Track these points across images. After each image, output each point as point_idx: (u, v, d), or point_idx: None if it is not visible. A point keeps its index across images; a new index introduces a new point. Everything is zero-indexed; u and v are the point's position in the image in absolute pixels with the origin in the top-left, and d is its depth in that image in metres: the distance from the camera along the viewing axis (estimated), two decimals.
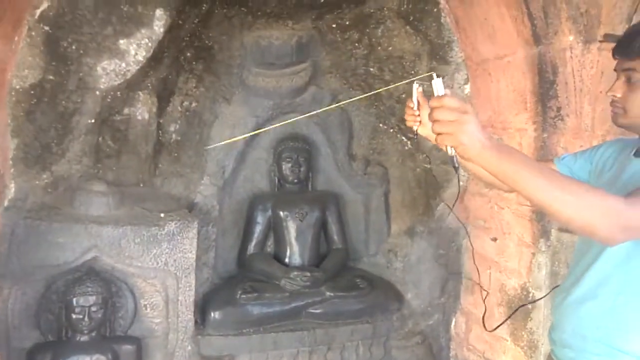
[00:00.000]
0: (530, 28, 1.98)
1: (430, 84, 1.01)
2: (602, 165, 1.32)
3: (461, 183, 2.55)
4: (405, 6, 2.44)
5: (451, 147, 0.99)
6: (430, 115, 0.98)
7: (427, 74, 1.04)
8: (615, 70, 1.22)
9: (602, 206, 0.95)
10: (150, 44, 2.15)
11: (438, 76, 1.00)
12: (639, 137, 1.24)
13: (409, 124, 1.11)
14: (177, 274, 2.20)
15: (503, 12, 2.05)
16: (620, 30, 1.87)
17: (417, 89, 1.08)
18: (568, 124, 1.99)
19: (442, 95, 0.98)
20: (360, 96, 2.51)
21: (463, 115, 0.94)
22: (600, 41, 1.88)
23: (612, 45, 1.85)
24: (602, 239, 1.00)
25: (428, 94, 1.10)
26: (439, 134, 0.97)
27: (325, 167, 3.04)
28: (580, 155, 1.41)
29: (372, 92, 2.58)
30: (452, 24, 2.42)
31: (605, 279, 1.18)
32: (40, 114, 2.08)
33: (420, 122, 1.14)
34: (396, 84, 1.04)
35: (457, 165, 1.04)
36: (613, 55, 1.22)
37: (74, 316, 1.99)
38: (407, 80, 1.08)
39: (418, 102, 1.07)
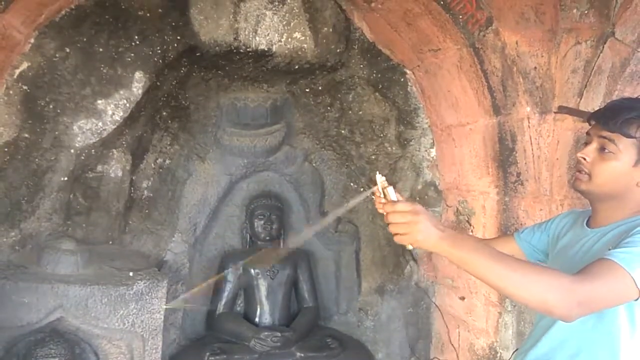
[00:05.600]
0: (490, 100, 2.12)
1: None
2: (557, 235, 1.39)
3: None
4: (374, 75, 2.59)
5: (409, 244, 1.08)
6: (385, 218, 1.08)
7: (381, 183, 1.16)
8: (588, 134, 1.26)
9: (555, 285, 1.01)
10: (128, 105, 2.20)
11: (390, 184, 1.12)
12: (591, 208, 1.31)
13: (379, 211, 1.20)
14: (144, 335, 2.15)
15: (465, 84, 2.20)
16: (572, 102, 2.03)
17: (380, 179, 1.17)
18: (528, 189, 2.10)
19: (394, 201, 1.09)
20: None
21: (415, 216, 1.04)
22: (555, 112, 2.03)
23: (566, 115, 2.03)
24: (559, 317, 1.05)
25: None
26: (396, 234, 1.06)
27: (297, 224, 3.08)
28: (537, 228, 1.49)
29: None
30: (418, 93, 2.57)
31: (562, 342, 1.23)
32: (13, 171, 2.08)
33: None
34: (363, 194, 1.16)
35: (416, 259, 1.12)
36: (589, 120, 1.27)
37: None
38: (369, 191, 1.21)
39: (383, 191, 1.16)
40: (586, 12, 1.95)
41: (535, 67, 2.01)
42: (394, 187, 1.16)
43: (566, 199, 2.06)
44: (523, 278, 1.01)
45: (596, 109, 1.99)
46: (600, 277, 1.03)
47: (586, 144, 1.25)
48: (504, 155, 2.13)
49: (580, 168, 1.24)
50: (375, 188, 1.18)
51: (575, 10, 1.95)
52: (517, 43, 1.99)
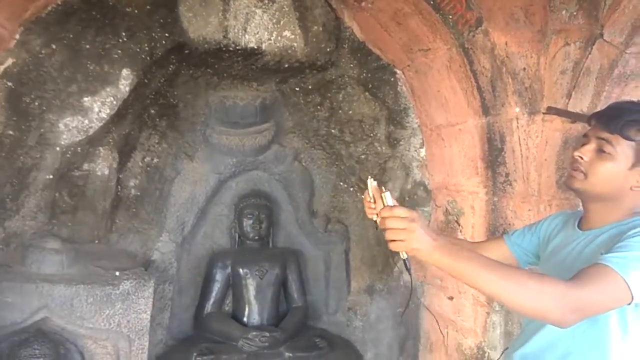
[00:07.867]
0: (479, 100, 2.12)
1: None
2: (547, 236, 1.39)
3: None
4: (364, 74, 2.58)
5: (404, 251, 1.07)
6: (382, 223, 1.07)
7: (374, 188, 1.16)
8: (585, 135, 1.27)
9: (550, 292, 1.01)
10: (115, 102, 2.18)
11: (380, 184, 1.11)
12: (582, 209, 1.31)
13: (369, 216, 1.18)
14: (130, 335, 2.13)
15: (454, 84, 2.20)
16: (561, 103, 2.04)
17: (371, 184, 1.16)
18: (516, 189, 2.11)
19: (392, 206, 1.08)
20: None
21: (411, 223, 1.04)
22: (544, 113, 2.03)
23: (555, 116, 2.03)
24: (555, 322, 1.05)
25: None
26: (392, 240, 1.05)
27: (286, 223, 3.07)
28: (527, 230, 1.49)
29: None
30: (408, 93, 2.57)
31: (552, 343, 1.23)
32: None
33: (378, 214, 1.19)
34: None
35: (409, 267, 1.13)
36: (589, 121, 1.28)
37: None
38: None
39: (374, 196, 1.15)
40: (575, 13, 1.95)
41: (525, 68, 2.01)
42: (385, 187, 1.15)
43: (554, 200, 2.07)
44: (517, 285, 1.01)
45: (584, 110, 2.02)
46: (595, 282, 1.03)
47: (583, 145, 1.25)
48: (493, 156, 2.14)
49: (577, 167, 1.24)
50: (365, 193, 1.17)
51: (564, 12, 1.95)
52: (506, 44, 1.99)
